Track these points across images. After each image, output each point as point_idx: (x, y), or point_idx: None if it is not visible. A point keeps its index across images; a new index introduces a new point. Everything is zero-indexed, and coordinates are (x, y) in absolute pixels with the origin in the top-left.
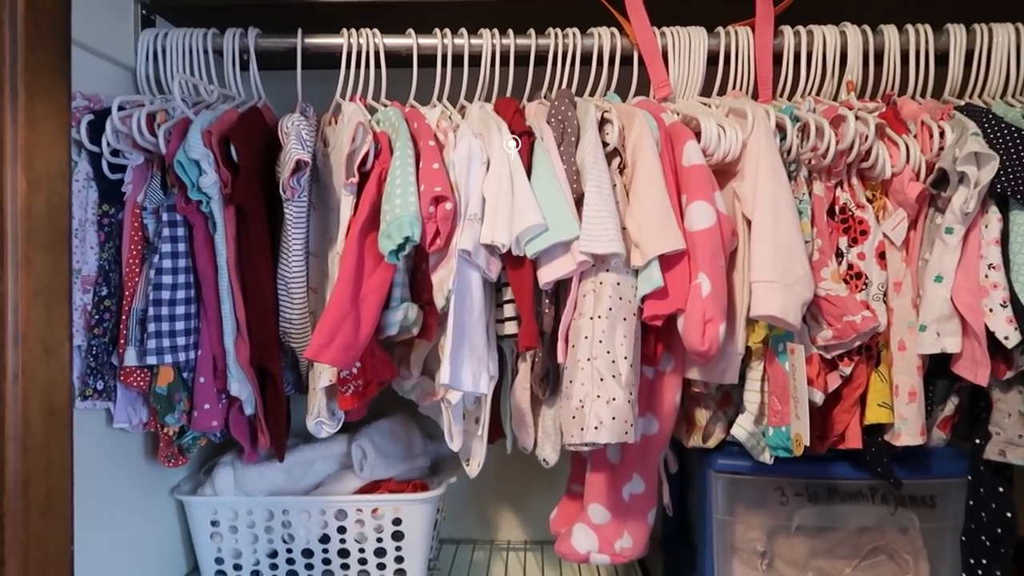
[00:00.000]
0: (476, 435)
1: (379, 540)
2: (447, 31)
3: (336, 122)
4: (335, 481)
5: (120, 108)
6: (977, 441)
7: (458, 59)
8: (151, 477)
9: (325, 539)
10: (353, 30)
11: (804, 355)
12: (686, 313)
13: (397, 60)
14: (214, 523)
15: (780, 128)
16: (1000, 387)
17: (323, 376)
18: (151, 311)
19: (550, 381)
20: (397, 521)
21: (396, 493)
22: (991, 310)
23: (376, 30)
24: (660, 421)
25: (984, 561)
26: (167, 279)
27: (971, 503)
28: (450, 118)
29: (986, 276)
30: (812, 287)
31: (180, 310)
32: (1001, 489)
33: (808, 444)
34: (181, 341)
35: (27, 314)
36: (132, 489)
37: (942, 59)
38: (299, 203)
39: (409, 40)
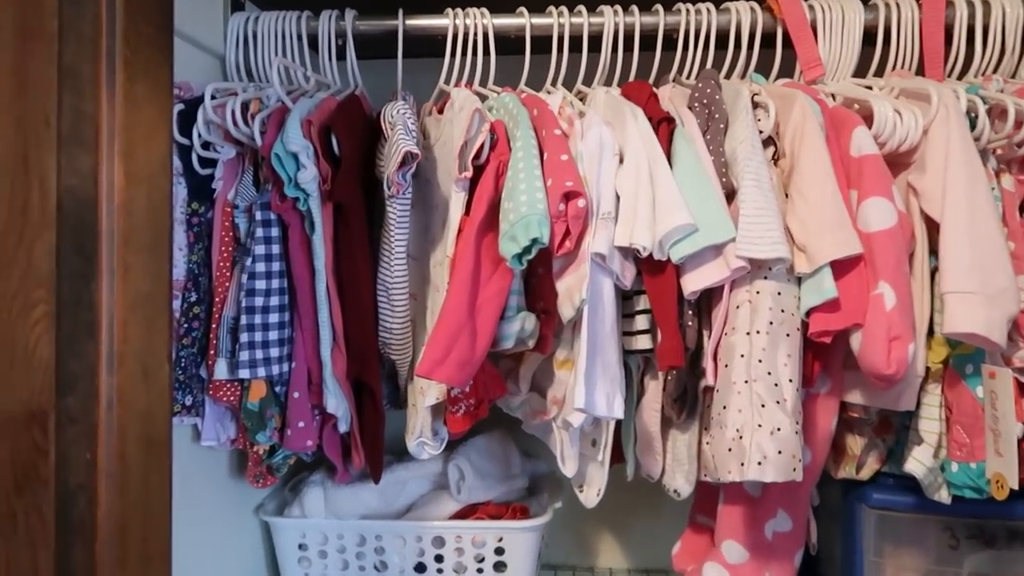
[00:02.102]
0: (595, 460)
1: (480, 571)
2: (563, 9)
3: (439, 111)
4: (429, 503)
5: (212, 97)
6: None
7: (575, 41)
8: (236, 495)
9: (421, 568)
10: (459, 10)
11: (1011, 380)
12: (865, 329)
13: (503, 45)
14: (302, 547)
15: (969, 112)
16: None
17: (430, 393)
18: (243, 319)
19: (686, 402)
20: (500, 551)
21: (496, 518)
22: None
23: (484, 9)
24: (813, 450)
25: None
26: (260, 284)
27: None
28: (572, 104)
29: None
30: (1019, 300)
31: (274, 318)
32: None
33: (1016, 487)
34: (275, 352)
35: (124, 330)
36: (216, 509)
37: None
38: (403, 200)
39: (522, 20)
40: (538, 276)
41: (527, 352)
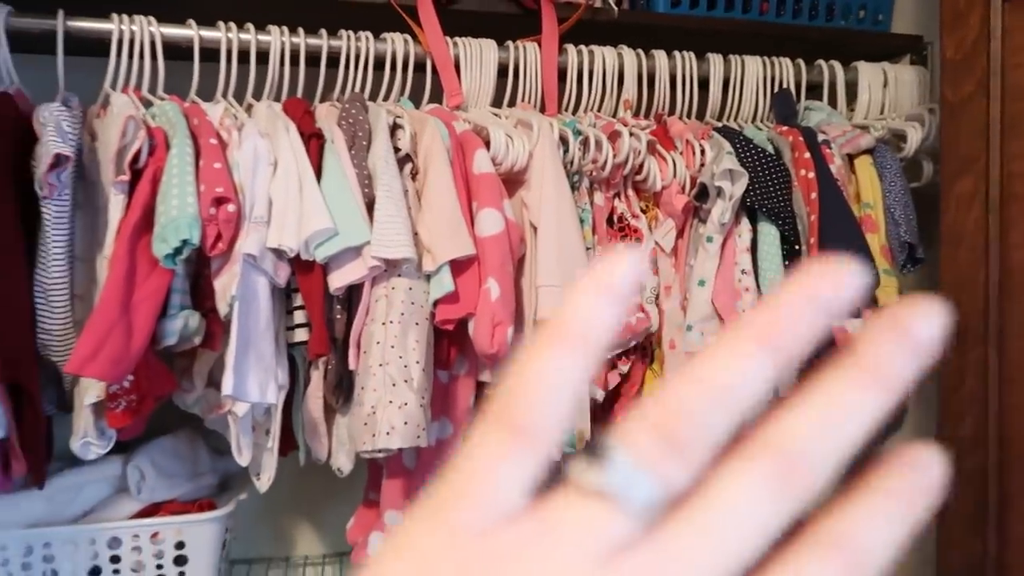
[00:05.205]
0: (266, 448)
1: (159, 567)
2: (232, 25)
3: (105, 114)
4: (109, 506)
5: None
6: None
7: (244, 56)
8: None
9: (96, 571)
10: (125, 16)
11: None
12: (476, 317)
13: (177, 52)
14: None
15: (563, 140)
16: None
17: (90, 391)
18: None
19: (344, 388)
20: (180, 545)
21: (179, 515)
22: (744, 311)
23: (152, 18)
24: (454, 424)
25: None
26: None
27: None
28: (235, 116)
29: (739, 280)
30: None
31: None
32: None
33: (590, 439)
34: None
35: None
36: None
37: (705, 84)
38: (60, 202)
39: (189, 31)
40: (204, 277)
41: (200, 349)
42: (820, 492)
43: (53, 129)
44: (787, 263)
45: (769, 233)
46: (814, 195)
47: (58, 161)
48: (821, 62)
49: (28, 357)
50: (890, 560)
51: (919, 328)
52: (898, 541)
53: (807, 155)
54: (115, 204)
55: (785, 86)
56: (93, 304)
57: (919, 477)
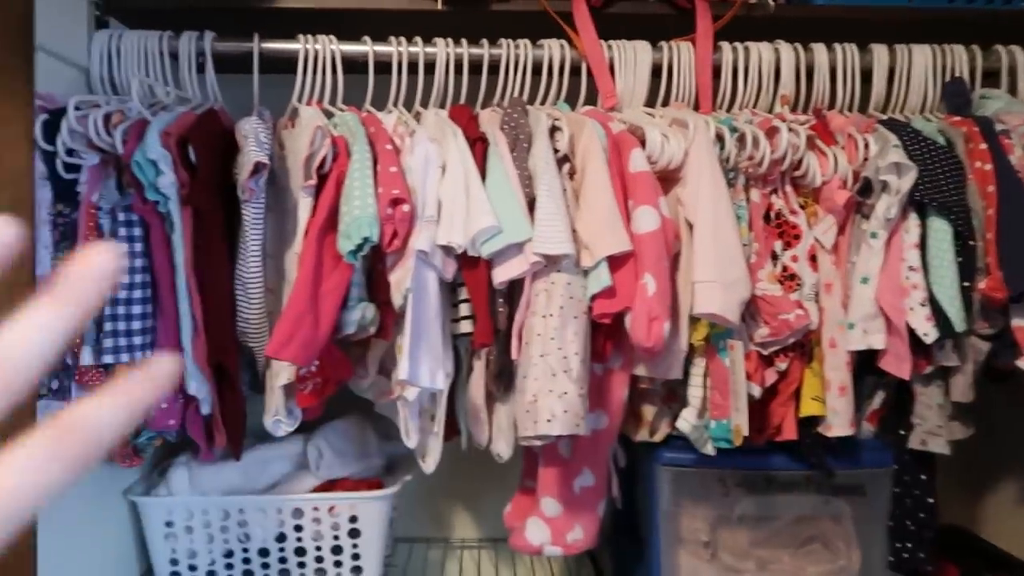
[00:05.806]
0: (432, 432)
1: (335, 538)
2: (402, 39)
3: (293, 126)
4: (291, 480)
5: (76, 108)
6: (901, 432)
7: (413, 67)
8: (103, 479)
9: (281, 538)
10: (309, 36)
11: (743, 351)
12: (633, 311)
13: (353, 66)
14: (169, 524)
15: (719, 138)
16: (921, 381)
17: (281, 374)
18: (107, 310)
19: (505, 378)
20: (353, 519)
21: (353, 491)
22: (912, 309)
23: (332, 36)
24: (609, 416)
25: (909, 545)
26: (123, 278)
27: (897, 491)
28: (406, 124)
29: (907, 277)
30: (750, 287)
31: (136, 309)
32: (924, 477)
33: (747, 435)
34: (137, 340)
35: None
36: (84, 491)
37: (868, 76)
38: (257, 205)
39: (365, 47)
40: (378, 272)
41: (372, 339)
42: (26, 387)
43: (253, 140)
44: (960, 260)
45: (940, 228)
46: (991, 188)
47: (257, 168)
48: (999, 47)
49: (230, 342)
50: (110, 437)
51: (95, 262)
52: (118, 423)
53: (983, 146)
54: (304, 206)
55: (957, 74)
56: (282, 297)
57: (144, 377)
